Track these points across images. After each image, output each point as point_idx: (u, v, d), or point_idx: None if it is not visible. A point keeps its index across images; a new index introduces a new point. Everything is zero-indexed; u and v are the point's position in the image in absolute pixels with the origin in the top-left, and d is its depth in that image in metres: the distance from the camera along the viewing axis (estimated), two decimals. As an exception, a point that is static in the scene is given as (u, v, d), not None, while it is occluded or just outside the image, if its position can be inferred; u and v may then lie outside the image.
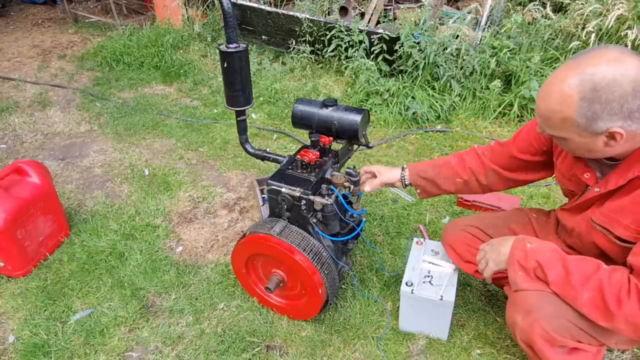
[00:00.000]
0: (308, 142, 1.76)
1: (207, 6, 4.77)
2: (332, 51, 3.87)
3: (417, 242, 1.87)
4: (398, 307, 1.78)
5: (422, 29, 3.54)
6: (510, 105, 3.34)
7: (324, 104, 1.72)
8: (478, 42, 3.52)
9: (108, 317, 1.88)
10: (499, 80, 3.38)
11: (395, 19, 4.36)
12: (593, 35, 3.19)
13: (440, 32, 3.58)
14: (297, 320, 1.85)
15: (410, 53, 3.44)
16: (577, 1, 3.46)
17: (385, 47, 3.61)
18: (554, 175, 1.48)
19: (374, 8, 4.43)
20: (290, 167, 1.72)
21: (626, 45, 3.09)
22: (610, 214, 1.21)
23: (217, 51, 1.86)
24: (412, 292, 1.66)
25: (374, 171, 1.75)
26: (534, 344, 1.26)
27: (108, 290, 2.01)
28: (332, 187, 1.66)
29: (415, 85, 3.52)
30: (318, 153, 1.70)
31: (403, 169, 1.71)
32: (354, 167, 1.70)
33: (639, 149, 1.12)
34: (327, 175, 1.70)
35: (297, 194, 1.60)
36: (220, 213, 2.51)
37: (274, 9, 4.07)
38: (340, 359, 1.72)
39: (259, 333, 1.80)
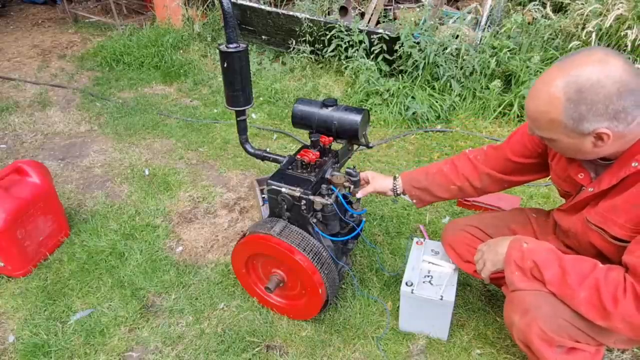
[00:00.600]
0: (308, 142, 1.76)
1: (207, 6, 4.77)
2: (332, 51, 3.87)
3: (417, 242, 1.87)
4: (398, 307, 1.78)
5: (422, 29, 3.54)
6: (510, 105, 3.34)
7: (324, 104, 1.72)
8: (478, 42, 3.52)
9: (108, 317, 1.88)
10: (499, 80, 3.38)
11: (395, 19, 4.36)
12: (593, 35, 3.19)
13: (440, 32, 3.58)
14: (297, 320, 1.85)
15: (410, 53, 3.44)
16: (577, 1, 3.45)
17: (385, 47, 3.61)
18: (550, 176, 1.48)
19: (374, 8, 4.43)
20: (290, 167, 1.72)
21: (626, 46, 3.10)
22: (605, 214, 1.22)
23: (217, 51, 1.86)
24: (412, 292, 1.66)
25: (367, 177, 1.75)
26: (531, 343, 1.27)
27: (108, 290, 2.02)
28: (332, 187, 1.67)
29: (415, 85, 3.52)
30: (318, 153, 1.70)
31: (395, 178, 1.71)
32: (354, 167, 1.70)
33: (631, 148, 1.12)
34: (327, 175, 1.70)
35: (297, 194, 1.60)
36: (220, 213, 2.51)
37: (274, 9, 4.07)
38: (340, 359, 1.72)
39: (259, 333, 1.80)
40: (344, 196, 1.75)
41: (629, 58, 3.14)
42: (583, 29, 3.27)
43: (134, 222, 2.41)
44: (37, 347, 1.75)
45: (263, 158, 1.87)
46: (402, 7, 4.60)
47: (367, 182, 1.75)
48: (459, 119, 3.39)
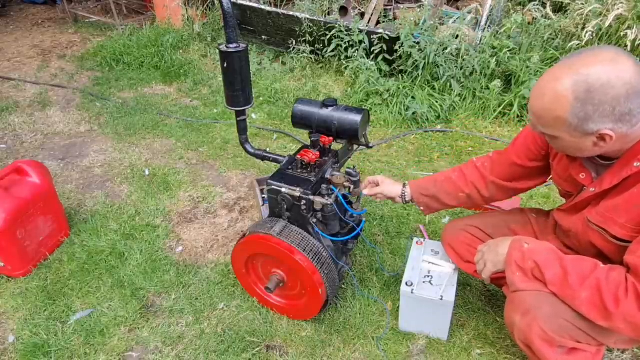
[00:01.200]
0: (308, 142, 1.76)
1: (207, 6, 4.77)
2: (332, 51, 3.87)
3: (417, 242, 1.87)
4: (398, 307, 1.78)
5: (422, 29, 3.54)
6: (510, 105, 3.34)
7: (324, 104, 1.72)
8: (478, 42, 3.52)
9: (108, 317, 1.88)
10: (499, 80, 3.38)
11: (395, 19, 4.36)
12: (593, 35, 3.19)
13: (440, 32, 3.58)
14: (297, 320, 1.85)
15: (410, 53, 3.44)
16: (577, 1, 3.45)
17: (385, 47, 3.61)
18: (551, 177, 1.48)
19: (374, 8, 4.43)
20: (290, 167, 1.72)
21: (626, 46, 3.09)
22: (606, 214, 1.22)
23: (217, 51, 1.86)
24: (412, 292, 1.66)
25: (377, 180, 1.75)
26: (532, 344, 1.26)
27: (108, 290, 2.02)
28: (332, 187, 1.66)
29: (415, 85, 3.52)
30: (318, 153, 1.70)
31: (404, 185, 1.71)
32: (354, 167, 1.70)
33: (633, 148, 1.12)
34: (327, 175, 1.70)
35: (297, 194, 1.60)
36: (220, 213, 2.51)
37: (274, 9, 4.07)
38: (340, 359, 1.72)
39: (259, 333, 1.80)
40: (344, 196, 1.75)
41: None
42: (583, 29, 3.27)
43: (134, 222, 2.41)
44: (37, 347, 1.75)
45: (263, 158, 1.87)
46: (402, 7, 4.60)
47: (377, 185, 1.75)
48: (459, 119, 3.39)
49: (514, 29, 3.52)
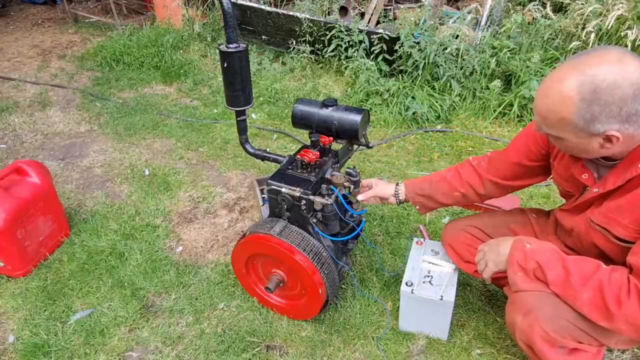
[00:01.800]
0: (308, 142, 1.76)
1: (207, 6, 4.77)
2: (332, 51, 3.87)
3: (417, 242, 1.87)
4: (398, 307, 1.78)
5: (422, 29, 3.54)
6: (510, 105, 3.34)
7: (324, 104, 1.72)
8: (478, 42, 3.52)
9: (108, 317, 1.88)
10: (499, 80, 3.38)
11: (395, 19, 4.36)
12: (593, 35, 3.19)
13: (440, 32, 3.58)
14: (297, 320, 1.85)
15: (410, 53, 3.44)
16: (577, 1, 3.45)
17: (385, 47, 3.61)
18: (552, 176, 1.48)
19: (374, 8, 4.43)
20: (290, 167, 1.72)
21: (626, 46, 3.09)
22: (609, 214, 1.21)
23: (217, 51, 1.86)
24: (412, 292, 1.66)
25: (371, 183, 1.76)
26: (533, 344, 1.26)
27: (108, 290, 2.01)
28: (332, 187, 1.66)
29: (415, 85, 3.52)
30: (318, 153, 1.70)
31: (397, 184, 1.71)
32: (354, 167, 1.70)
33: (637, 148, 1.12)
34: (327, 175, 1.70)
35: (297, 194, 1.60)
36: (220, 213, 2.51)
37: (274, 9, 4.07)
38: (340, 359, 1.72)
39: (259, 333, 1.80)
40: (344, 196, 1.75)
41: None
42: (583, 29, 3.27)
43: (134, 222, 2.41)
44: (37, 347, 1.75)
45: (263, 158, 1.87)
46: (402, 7, 4.60)
47: (370, 188, 1.75)
48: (459, 119, 3.39)
49: (514, 29, 3.52)
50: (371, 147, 1.87)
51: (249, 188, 2.71)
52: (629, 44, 3.08)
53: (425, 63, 3.44)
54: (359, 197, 1.72)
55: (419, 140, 3.21)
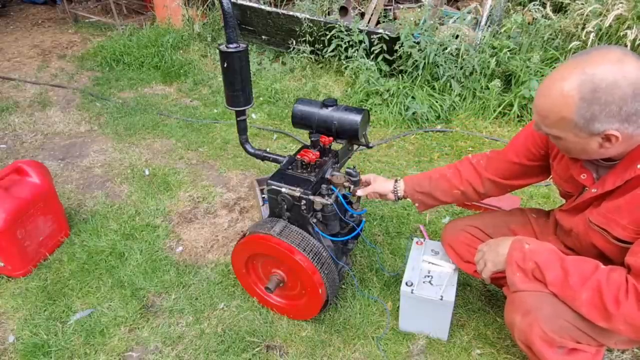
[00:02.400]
0: (308, 142, 1.76)
1: (207, 6, 4.77)
2: (332, 51, 3.87)
3: (417, 242, 1.87)
4: (398, 307, 1.78)
5: (422, 29, 3.54)
6: (510, 105, 3.34)
7: (324, 104, 1.72)
8: (478, 42, 3.52)
9: (108, 317, 1.88)
10: (499, 80, 3.38)
11: (395, 19, 4.36)
12: (593, 35, 3.19)
13: (440, 32, 3.58)
14: (297, 320, 1.85)
15: (410, 53, 3.44)
16: (577, 1, 3.45)
17: (385, 47, 3.61)
18: (551, 177, 1.48)
19: (374, 8, 4.43)
20: (290, 167, 1.72)
21: (626, 45, 3.09)
22: (608, 215, 1.21)
23: (217, 51, 1.86)
24: (412, 292, 1.66)
25: (369, 179, 1.75)
26: (532, 344, 1.26)
27: (108, 290, 2.01)
28: (332, 187, 1.66)
29: (415, 85, 3.52)
30: (318, 153, 1.70)
31: (397, 181, 1.71)
32: (354, 167, 1.70)
33: (635, 149, 1.12)
34: (327, 175, 1.70)
35: (297, 194, 1.60)
36: (220, 213, 2.51)
37: (274, 9, 4.07)
38: (340, 359, 1.72)
39: (259, 333, 1.80)
40: (344, 196, 1.75)
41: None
42: (583, 29, 3.27)
43: (134, 222, 2.41)
44: (37, 347, 1.75)
45: (263, 158, 1.87)
46: (402, 7, 4.60)
47: (369, 184, 1.75)
48: (459, 119, 3.39)
49: (514, 29, 3.52)
50: (371, 147, 1.87)
51: (249, 188, 2.71)
52: (629, 44, 3.08)
53: (425, 63, 3.44)
54: (359, 193, 1.72)
55: (419, 140, 3.21)
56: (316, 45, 4.02)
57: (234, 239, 2.31)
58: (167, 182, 2.73)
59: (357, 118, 1.66)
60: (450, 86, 3.50)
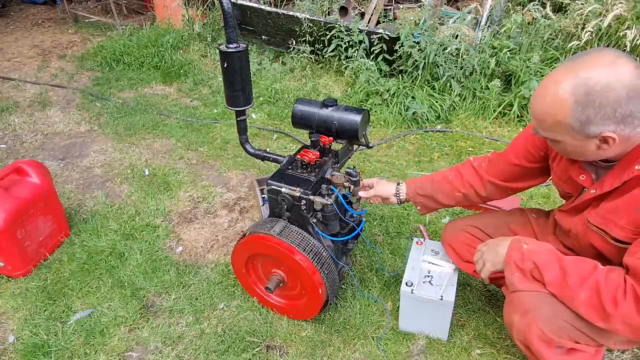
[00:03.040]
0: (308, 142, 1.76)
1: (207, 6, 4.77)
2: (332, 51, 3.87)
3: (417, 242, 1.87)
4: (398, 307, 1.78)
5: (422, 29, 3.54)
6: (510, 105, 3.34)
7: (324, 104, 1.72)
8: (478, 42, 3.52)
9: (108, 317, 1.88)
10: (499, 80, 3.38)
11: (395, 19, 4.36)
12: (592, 35, 3.19)
13: (440, 32, 3.59)
14: (297, 320, 1.85)
15: (410, 53, 3.44)
16: (576, 1, 3.46)
17: (385, 47, 3.61)
18: (551, 178, 1.48)
19: (374, 8, 4.43)
20: (290, 167, 1.72)
21: (625, 46, 3.10)
22: (606, 215, 1.22)
23: (217, 51, 1.86)
24: (412, 292, 1.66)
25: (372, 183, 1.76)
26: (531, 344, 1.27)
27: (108, 290, 2.02)
28: (332, 187, 1.67)
29: (415, 85, 3.52)
30: (318, 153, 1.70)
31: (399, 184, 1.71)
32: (354, 167, 1.70)
33: (633, 150, 1.12)
34: (327, 175, 1.70)
35: (297, 194, 1.60)
36: (220, 213, 2.51)
37: (274, 9, 4.07)
38: (340, 359, 1.72)
39: (259, 333, 1.80)
40: (344, 196, 1.75)
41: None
42: (583, 29, 3.27)
43: (134, 222, 2.41)
44: (37, 347, 1.75)
45: (263, 158, 1.87)
46: (402, 7, 4.60)
47: (372, 187, 1.75)
48: (459, 119, 3.39)
49: (514, 29, 3.52)
50: (371, 147, 1.87)
51: (249, 188, 2.71)
52: (628, 44, 3.08)
53: (425, 63, 3.44)
54: (361, 194, 1.72)
55: (419, 140, 3.21)
56: (316, 45, 4.02)
57: (234, 239, 2.31)
58: (167, 182, 2.74)
59: (357, 118, 1.66)
60: (450, 86, 3.50)
